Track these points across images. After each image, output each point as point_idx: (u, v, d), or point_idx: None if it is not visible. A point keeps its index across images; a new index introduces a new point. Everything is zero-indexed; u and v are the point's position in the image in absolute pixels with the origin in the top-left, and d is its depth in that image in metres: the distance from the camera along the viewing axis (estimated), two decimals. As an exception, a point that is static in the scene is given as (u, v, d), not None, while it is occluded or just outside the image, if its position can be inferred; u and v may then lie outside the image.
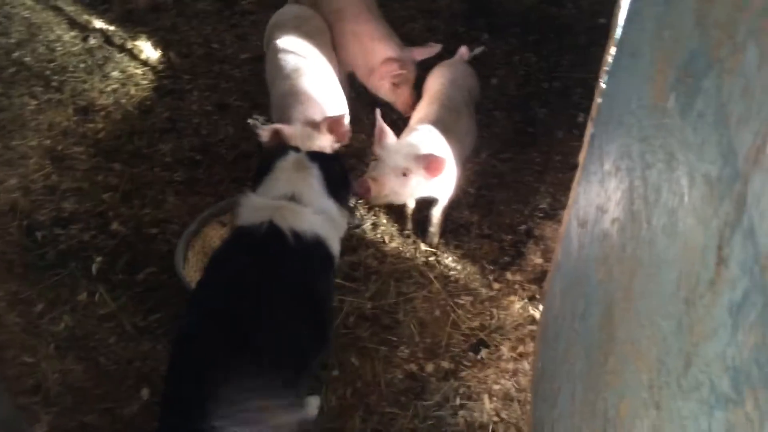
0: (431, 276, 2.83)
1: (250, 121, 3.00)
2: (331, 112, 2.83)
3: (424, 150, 2.58)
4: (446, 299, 2.75)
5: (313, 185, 2.20)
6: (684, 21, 1.08)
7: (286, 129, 2.71)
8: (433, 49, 3.32)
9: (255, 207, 2.13)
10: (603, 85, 1.92)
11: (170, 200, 3.14)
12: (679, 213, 0.91)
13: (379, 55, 3.23)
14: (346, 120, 2.82)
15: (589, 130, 2.02)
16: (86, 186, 3.20)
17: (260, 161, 2.43)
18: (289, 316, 1.94)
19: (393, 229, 3.04)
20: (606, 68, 1.91)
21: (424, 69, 3.34)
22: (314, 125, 2.75)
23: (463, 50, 3.34)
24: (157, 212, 3.08)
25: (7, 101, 3.65)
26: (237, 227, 2.17)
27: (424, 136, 2.72)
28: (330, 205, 2.22)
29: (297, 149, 2.33)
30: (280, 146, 2.48)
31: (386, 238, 2.99)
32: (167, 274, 2.78)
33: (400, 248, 2.95)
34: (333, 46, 3.34)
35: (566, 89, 3.73)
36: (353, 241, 2.95)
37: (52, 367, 2.48)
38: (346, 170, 2.43)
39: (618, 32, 1.81)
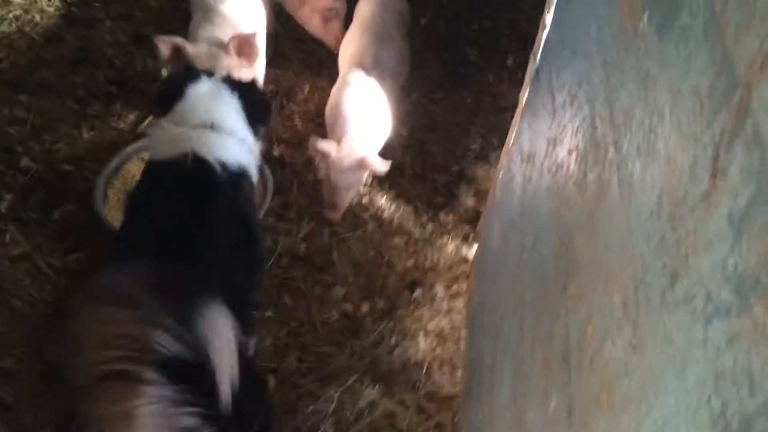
0: (365, 216, 2.79)
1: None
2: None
3: (359, 153, 2.53)
4: (380, 240, 2.72)
5: (232, 113, 2.11)
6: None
7: (188, 47, 2.52)
8: None
9: (173, 138, 2.00)
10: (548, 18, 1.90)
11: (86, 136, 2.94)
12: (658, 131, 0.90)
13: None
14: (257, 41, 2.62)
15: (532, 65, 1.99)
16: (-10, 119, 2.95)
17: (165, 84, 2.26)
18: (228, 247, 1.86)
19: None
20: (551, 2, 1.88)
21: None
22: (221, 45, 2.57)
23: None
24: (71, 148, 2.88)
25: None
26: (153, 161, 2.04)
27: (358, 106, 2.64)
28: (249, 134, 2.15)
29: (209, 73, 2.20)
30: (189, 69, 2.31)
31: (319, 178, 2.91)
32: (86, 212, 2.61)
33: (333, 188, 2.89)
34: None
35: (495, 30, 3.71)
36: (285, 180, 2.86)
37: (-39, 312, 2.30)
38: (267, 98, 2.35)
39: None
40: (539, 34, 1.97)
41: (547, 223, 1.44)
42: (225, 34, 2.59)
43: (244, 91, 2.17)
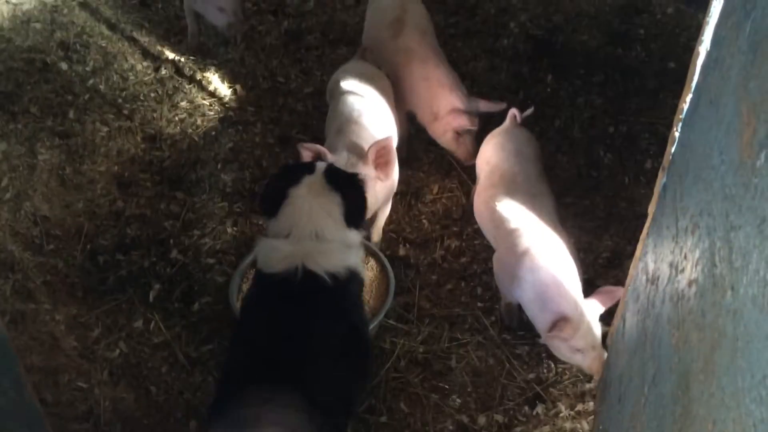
0: (486, 322, 2.74)
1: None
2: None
3: (590, 317, 2.37)
4: (501, 347, 2.65)
5: (334, 219, 2.12)
6: (776, 75, 1.01)
7: (329, 155, 2.61)
8: (499, 105, 3.22)
9: (282, 255, 2.05)
10: (676, 134, 1.83)
11: (229, 231, 3.16)
12: (773, 286, 0.83)
13: (446, 103, 3.15)
14: (394, 145, 2.69)
15: (660, 179, 1.92)
16: (149, 213, 3.25)
17: (268, 188, 2.27)
18: (335, 355, 1.90)
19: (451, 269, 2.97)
20: (680, 116, 1.82)
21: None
22: (360, 153, 2.67)
23: (513, 112, 3.06)
24: (215, 242, 3.10)
25: (80, 127, 3.75)
26: (263, 274, 2.10)
27: (557, 275, 2.45)
28: (351, 235, 2.16)
29: (310, 168, 2.21)
30: (290, 169, 2.33)
31: (442, 280, 2.92)
32: (222, 305, 2.78)
33: (457, 291, 2.88)
34: (397, 88, 3.29)
35: (633, 134, 3.62)
36: (408, 281, 2.89)
37: (105, 394, 2.49)
38: (365, 196, 2.30)
39: (695, 79, 1.73)
40: (668, 148, 1.90)
41: (667, 357, 1.35)
42: (364, 143, 2.71)
43: (346, 188, 2.18)
